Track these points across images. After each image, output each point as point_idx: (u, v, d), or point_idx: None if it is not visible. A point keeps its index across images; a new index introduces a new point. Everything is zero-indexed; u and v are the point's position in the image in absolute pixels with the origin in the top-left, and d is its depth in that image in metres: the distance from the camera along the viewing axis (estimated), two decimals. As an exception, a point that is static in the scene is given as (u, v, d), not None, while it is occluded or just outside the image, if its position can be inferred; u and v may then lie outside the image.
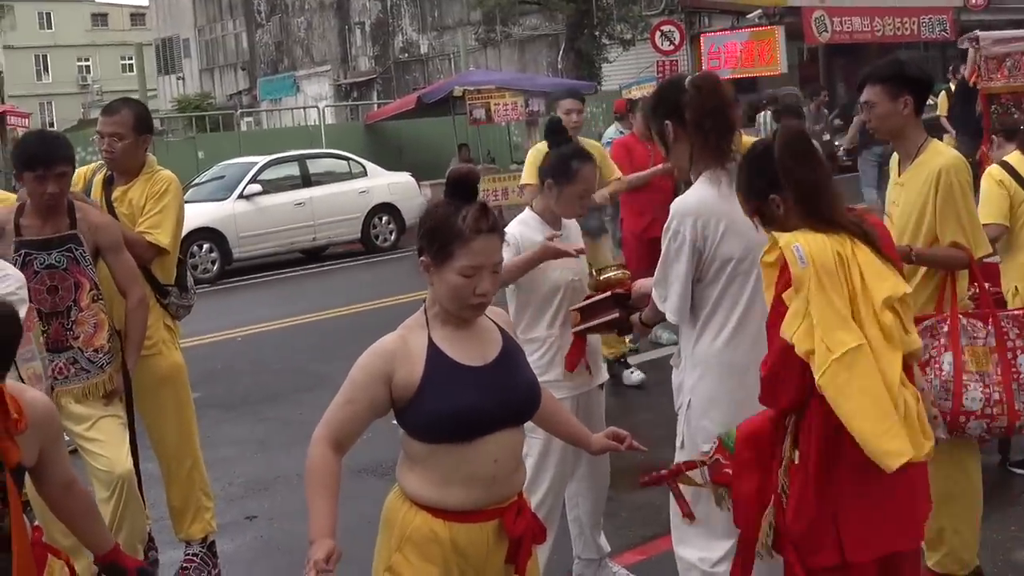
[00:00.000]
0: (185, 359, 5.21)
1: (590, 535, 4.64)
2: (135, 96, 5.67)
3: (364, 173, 18.47)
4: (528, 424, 3.09)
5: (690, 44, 25.88)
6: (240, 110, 34.57)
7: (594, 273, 4.37)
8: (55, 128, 45.45)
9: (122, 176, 5.00)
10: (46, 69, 68.65)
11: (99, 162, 5.28)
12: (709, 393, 3.64)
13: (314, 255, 18.06)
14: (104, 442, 4.51)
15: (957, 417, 3.99)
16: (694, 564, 3.73)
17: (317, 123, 26.04)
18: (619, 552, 4.88)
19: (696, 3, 28.13)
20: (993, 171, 5.49)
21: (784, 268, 2.90)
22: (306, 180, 17.79)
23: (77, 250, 4.56)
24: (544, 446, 4.23)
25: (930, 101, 11.39)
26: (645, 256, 7.60)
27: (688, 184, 3.77)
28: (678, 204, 3.69)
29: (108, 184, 5.01)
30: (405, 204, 18.07)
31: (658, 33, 23.63)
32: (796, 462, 2.98)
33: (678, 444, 3.82)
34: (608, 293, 4.21)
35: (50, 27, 68.41)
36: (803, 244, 2.88)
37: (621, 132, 11.17)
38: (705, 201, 3.62)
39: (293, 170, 17.89)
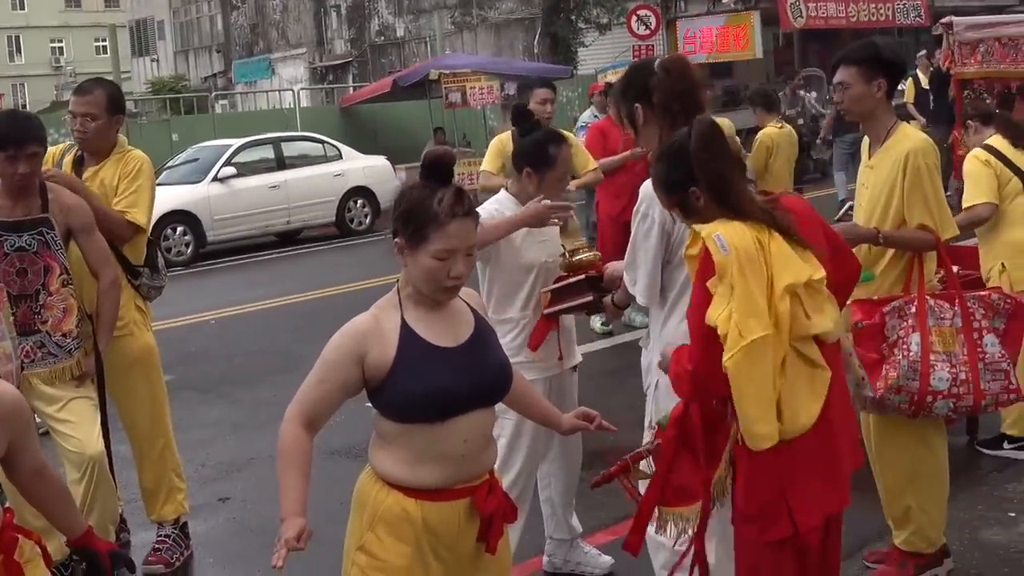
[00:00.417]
0: (159, 342, 5.21)
1: (562, 516, 4.67)
2: (109, 78, 5.66)
3: (339, 156, 18.42)
4: (500, 405, 3.11)
5: (666, 29, 25.87)
6: (215, 92, 34.36)
7: (566, 255, 4.39)
8: (28, 110, 45.02)
9: (93, 156, 4.98)
10: (19, 50, 67.94)
11: (68, 143, 5.26)
12: (677, 374, 3.66)
13: (289, 238, 18.01)
14: (75, 423, 4.51)
15: (924, 397, 4.04)
16: (663, 544, 3.76)
17: (292, 106, 25.91)
18: (591, 532, 4.92)
19: (672, -13, 28.15)
20: (978, 153, 5.60)
21: (706, 258, 2.97)
22: (281, 163, 17.73)
23: (48, 234, 4.54)
24: (516, 427, 4.25)
25: (900, 87, 11.46)
26: (621, 239, 7.63)
27: None
28: (647, 187, 3.70)
29: (78, 164, 4.99)
30: (380, 187, 18.04)
31: (634, 17, 23.61)
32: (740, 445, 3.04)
33: (647, 424, 3.84)
34: (582, 276, 4.22)
35: (23, 8, 67.69)
36: (724, 233, 2.96)
37: (596, 116, 11.19)
38: None
39: (268, 153, 17.82)
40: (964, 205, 5.56)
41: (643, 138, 3.89)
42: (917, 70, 15.13)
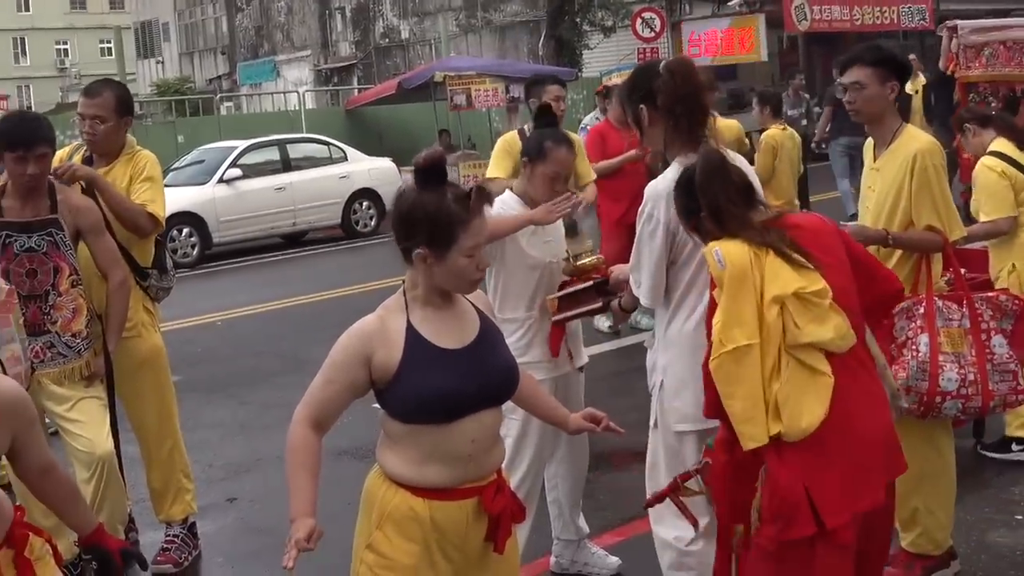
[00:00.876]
0: (165, 343, 5.23)
1: (569, 516, 4.68)
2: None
3: (344, 158, 18.45)
4: (507, 405, 3.13)
5: (671, 31, 25.85)
6: (220, 94, 34.43)
7: (570, 259, 4.40)
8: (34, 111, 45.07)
9: (102, 158, 5.00)
10: (24, 52, 68.08)
11: (77, 143, 5.28)
12: (681, 374, 3.68)
13: (294, 240, 18.04)
14: (84, 423, 4.53)
15: (933, 398, 4.05)
16: (669, 543, 3.78)
17: (297, 108, 25.94)
18: (598, 533, 4.93)
19: (677, -10, 28.17)
20: (991, 163, 5.57)
21: (711, 274, 3.21)
22: (286, 165, 17.76)
23: (58, 235, 4.56)
24: (522, 428, 4.26)
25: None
26: (624, 242, 7.64)
27: (665, 167, 3.81)
28: (651, 188, 3.72)
29: (87, 165, 5.00)
30: (385, 189, 18.02)
31: (639, 20, 23.61)
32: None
33: (651, 424, 3.86)
34: (589, 283, 4.24)
35: (27, 9, 67.83)
36: (722, 248, 3.18)
37: (599, 119, 11.18)
38: None
39: (273, 155, 17.85)
40: (983, 218, 5.55)
41: (648, 139, 3.91)
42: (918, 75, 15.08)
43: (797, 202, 9.68)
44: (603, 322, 8.94)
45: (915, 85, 14.75)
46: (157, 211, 4.89)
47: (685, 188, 3.37)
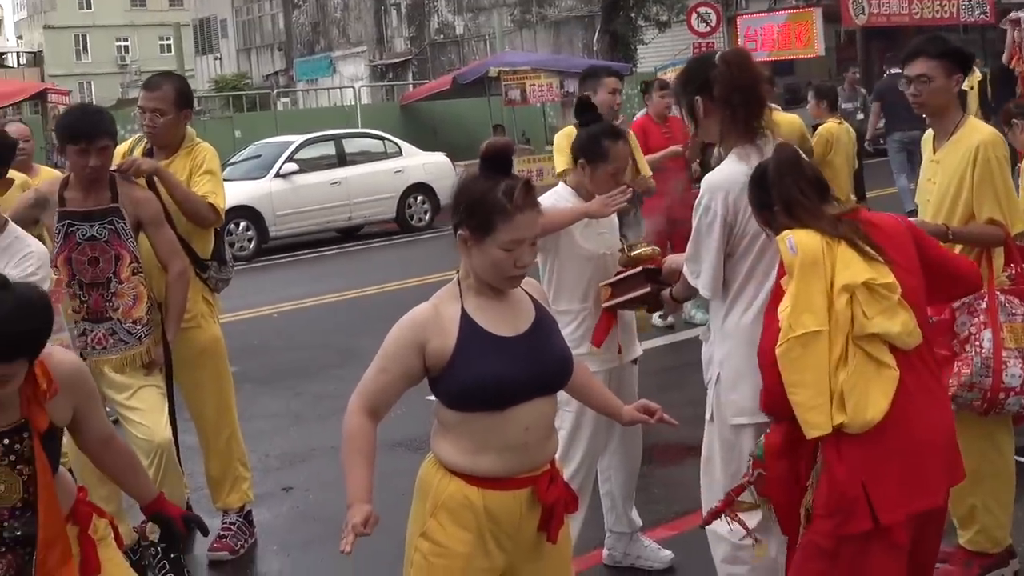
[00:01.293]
0: (222, 334, 5.28)
1: (622, 509, 4.68)
2: (174, 74, 5.87)
3: (399, 153, 18.54)
4: (561, 398, 3.13)
5: (727, 26, 25.71)
6: (277, 90, 34.69)
7: (625, 249, 4.40)
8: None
9: (162, 151, 5.06)
10: (85, 49, 69.07)
11: (137, 136, 5.35)
12: (738, 366, 3.66)
13: (349, 234, 18.15)
14: (144, 411, 4.59)
15: (997, 394, 4.00)
16: (723, 536, 3.76)
17: (353, 103, 26.11)
18: (651, 527, 4.92)
19: (733, -16, 27.98)
20: None
21: (782, 262, 3.22)
22: (342, 159, 17.89)
23: (118, 223, 4.63)
24: (576, 419, 4.27)
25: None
26: (665, 237, 7.61)
27: (719, 161, 3.79)
28: (708, 180, 3.71)
29: (148, 158, 5.07)
30: (440, 184, 18.09)
31: (694, 15, 23.51)
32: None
33: (707, 417, 3.84)
34: (639, 268, 4.23)
35: (89, 7, 68.78)
36: (794, 236, 3.19)
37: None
38: (735, 176, 3.63)
39: (329, 149, 17.99)
40: None
41: (703, 131, 3.89)
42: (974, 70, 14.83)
43: (853, 197, 9.58)
44: (656, 317, 8.91)
45: (971, 81, 14.52)
46: (218, 202, 4.95)
47: (758, 182, 3.38)
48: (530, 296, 3.05)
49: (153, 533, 4.66)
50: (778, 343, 3.10)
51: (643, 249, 4.37)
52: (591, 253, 4.35)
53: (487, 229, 2.84)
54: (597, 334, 4.30)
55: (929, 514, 3.22)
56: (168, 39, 53.09)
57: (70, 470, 4.32)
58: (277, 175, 16.88)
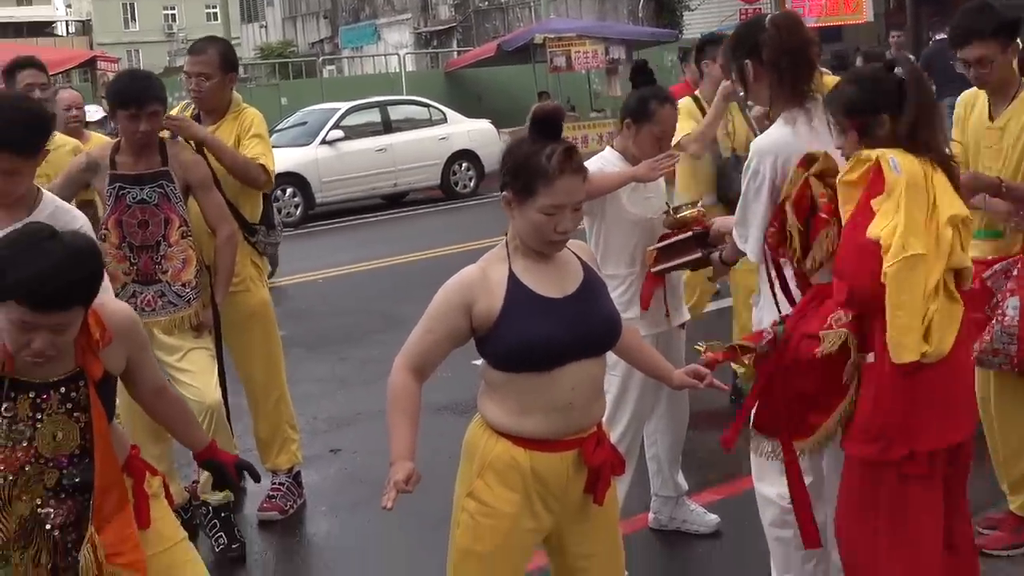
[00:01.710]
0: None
1: (668, 473, 4.68)
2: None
3: (444, 120, 18.55)
4: (608, 361, 3.13)
5: (775, -9, 25.38)
6: (322, 57, 34.76)
7: (670, 211, 4.38)
8: (141, 76, 46.00)
9: (209, 115, 5.09)
10: (133, 17, 69.55)
11: (185, 102, 5.39)
12: (789, 330, 3.63)
13: (395, 200, 18.20)
14: (194, 372, 4.65)
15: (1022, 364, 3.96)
16: (772, 500, 3.76)
17: (398, 70, 26.11)
18: (697, 491, 4.92)
19: (782, -52, 27.55)
20: None
21: (875, 178, 3.14)
22: (387, 127, 17.92)
23: (168, 186, 4.66)
24: (623, 383, 4.27)
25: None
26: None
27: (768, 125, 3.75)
28: (757, 143, 3.67)
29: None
30: (484, 151, 18.09)
31: (742, -21, 23.21)
32: (868, 361, 3.18)
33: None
34: (689, 232, 4.21)
35: (137, -25, 69.27)
36: (897, 157, 3.13)
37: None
38: (784, 140, 3.60)
39: (374, 116, 18.02)
40: None
41: (752, 95, 3.85)
42: None
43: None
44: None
45: None
46: (268, 164, 4.98)
47: (872, 84, 3.28)
48: (579, 258, 3.05)
49: (204, 492, 4.77)
50: (887, 262, 3.04)
51: (688, 211, 4.34)
52: (638, 217, 4.34)
53: (529, 192, 2.84)
54: (644, 298, 4.29)
55: (960, 447, 3.28)
56: (214, 7, 53.41)
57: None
58: (323, 142, 16.94)
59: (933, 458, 3.17)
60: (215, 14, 52.30)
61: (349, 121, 17.48)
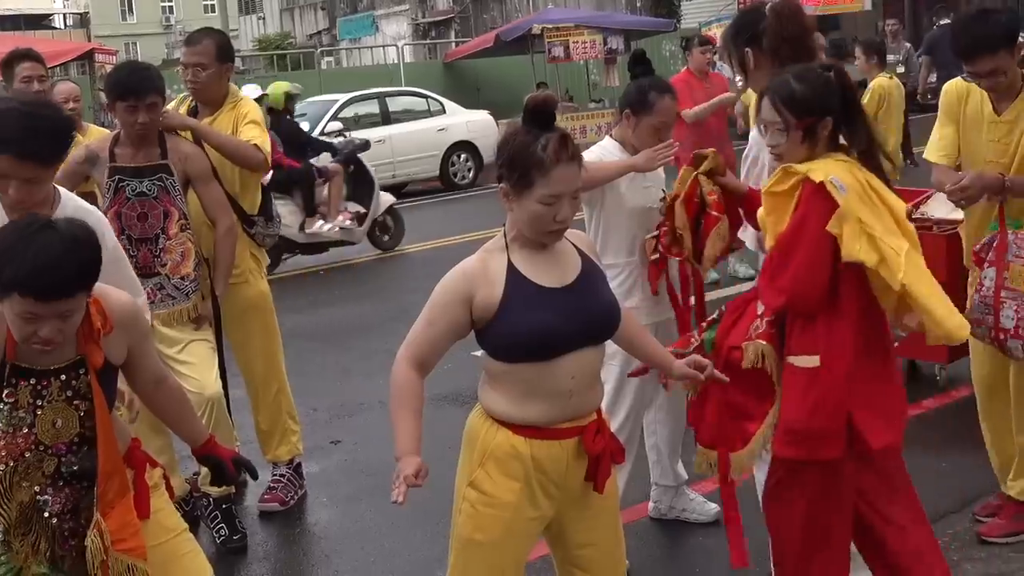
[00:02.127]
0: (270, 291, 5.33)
1: (668, 462, 4.69)
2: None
3: (443, 111, 18.53)
4: (607, 351, 3.13)
5: (773, -21, 25.34)
6: (320, 49, 34.71)
7: (666, 199, 4.37)
8: (139, 68, 45.99)
9: (206, 107, 5.09)
10: (131, 10, 69.41)
11: (182, 95, 5.38)
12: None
13: (394, 191, 18.14)
14: (194, 364, 4.65)
15: (998, 334, 3.97)
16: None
17: (396, 62, 26.06)
18: (696, 480, 4.91)
19: (780, -63, 27.49)
20: None
21: (813, 200, 3.13)
22: (385, 118, 17.90)
23: (168, 179, 4.67)
24: (622, 372, 4.27)
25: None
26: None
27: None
28: (756, 132, 3.68)
29: (193, 115, 5.08)
30: (483, 142, 18.07)
31: (740, -31, 23.18)
32: (814, 366, 3.22)
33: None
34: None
35: (133, -33, 69.13)
36: (837, 174, 3.14)
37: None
38: None
39: (373, 108, 18.02)
40: None
41: (753, 82, 3.87)
42: None
43: (900, 154, 9.47)
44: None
45: None
46: (264, 147, 4.96)
47: (819, 85, 3.26)
48: (577, 248, 3.06)
49: (205, 484, 4.78)
50: (898, 273, 3.09)
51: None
52: (637, 207, 4.34)
53: (526, 183, 2.84)
54: (652, 282, 4.30)
55: (893, 448, 3.35)
56: (212, -1, 53.23)
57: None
58: (321, 134, 16.90)
59: (870, 459, 3.26)
60: (212, 6, 52.23)
61: (348, 112, 17.46)
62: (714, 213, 3.56)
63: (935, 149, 4.28)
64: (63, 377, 2.82)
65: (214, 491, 4.82)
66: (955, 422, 5.53)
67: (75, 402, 2.83)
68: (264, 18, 49.04)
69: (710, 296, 8.34)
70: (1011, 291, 3.94)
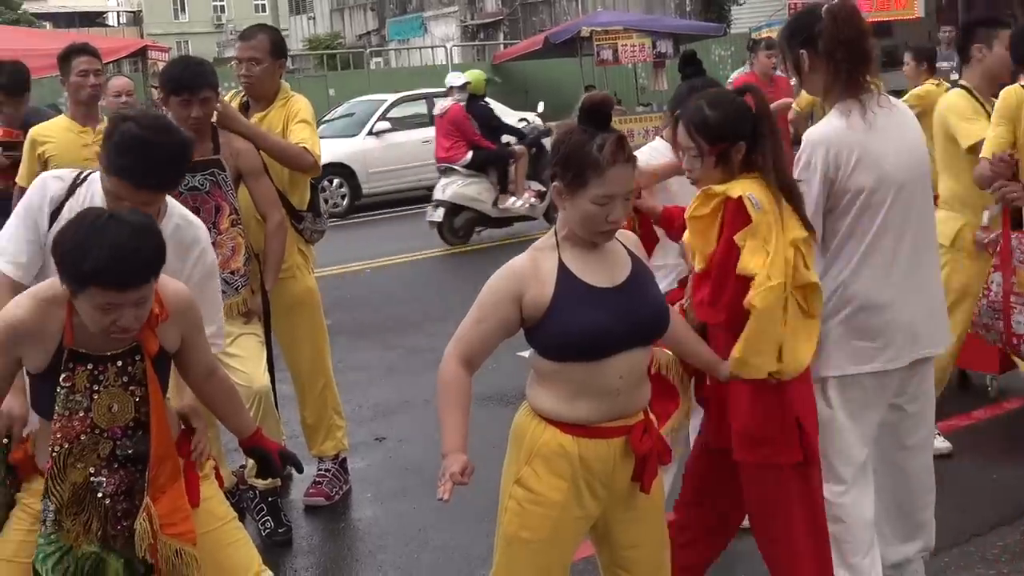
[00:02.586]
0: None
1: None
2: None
3: (490, 112, 18.51)
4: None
5: (825, -15, 25.15)
6: (369, 49, 34.88)
7: None
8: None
9: (258, 103, 5.12)
10: (183, 8, 70.18)
11: (235, 91, 5.42)
12: (836, 322, 3.61)
13: (439, 192, 18.20)
14: (244, 358, 4.68)
15: (1011, 339, 3.93)
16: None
17: (445, 63, 26.13)
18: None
19: (832, -58, 27.29)
20: None
21: (734, 216, 3.17)
22: (433, 119, 17.90)
23: (220, 175, 4.69)
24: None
25: None
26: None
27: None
28: (809, 135, 3.65)
29: (244, 111, 5.12)
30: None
31: (792, -27, 23.02)
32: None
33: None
34: None
35: (186, -33, 69.85)
36: (755, 192, 3.18)
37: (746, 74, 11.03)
38: (837, 131, 3.57)
39: (421, 108, 18.04)
40: None
41: (807, 85, 3.82)
42: None
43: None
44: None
45: None
46: (314, 149, 4.98)
47: (732, 110, 3.29)
48: (627, 249, 3.05)
49: (251, 476, 4.81)
50: (754, 291, 3.10)
51: None
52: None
53: (580, 183, 2.84)
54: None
55: None
56: (263, -1, 53.64)
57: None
58: (370, 133, 17.01)
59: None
60: (263, 6, 52.69)
61: (396, 113, 17.55)
62: None
63: (989, 145, 4.26)
64: (119, 363, 2.86)
65: (260, 484, 4.85)
66: (1006, 433, 5.46)
67: (131, 388, 2.87)
68: (314, 18, 49.34)
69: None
70: (1020, 296, 3.91)
